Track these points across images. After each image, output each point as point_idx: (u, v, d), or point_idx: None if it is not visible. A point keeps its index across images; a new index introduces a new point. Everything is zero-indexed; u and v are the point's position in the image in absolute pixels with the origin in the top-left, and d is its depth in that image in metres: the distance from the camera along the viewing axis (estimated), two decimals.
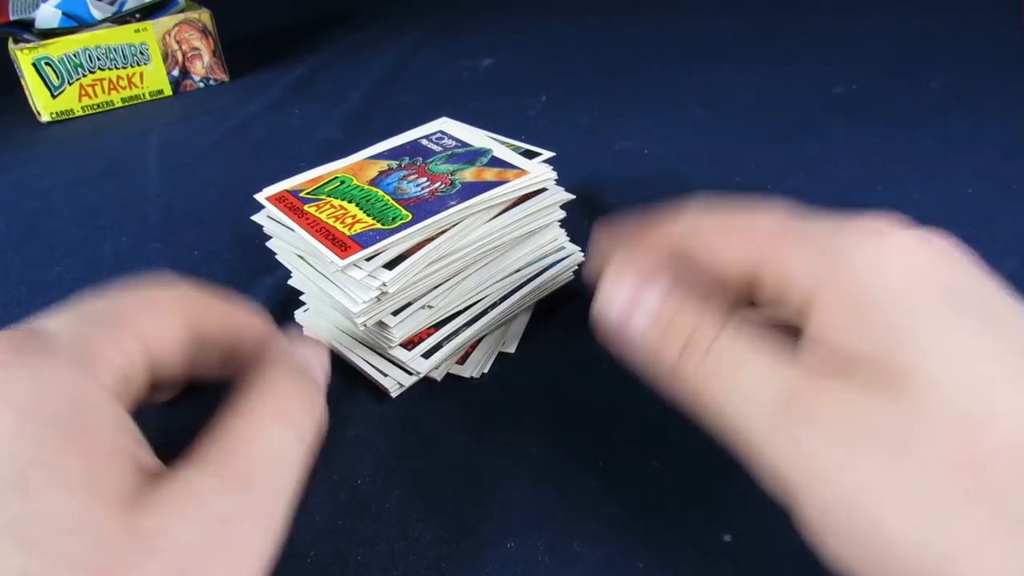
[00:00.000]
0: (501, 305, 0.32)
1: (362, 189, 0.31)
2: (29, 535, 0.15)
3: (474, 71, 0.70)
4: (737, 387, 0.19)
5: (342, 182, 0.32)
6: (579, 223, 0.41)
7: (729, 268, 0.21)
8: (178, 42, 0.67)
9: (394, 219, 0.29)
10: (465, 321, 0.31)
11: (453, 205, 0.29)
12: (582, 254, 0.36)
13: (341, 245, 0.27)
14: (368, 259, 0.27)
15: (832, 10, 0.81)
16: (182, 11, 0.67)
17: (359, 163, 0.34)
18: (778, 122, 0.54)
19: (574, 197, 0.33)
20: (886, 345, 0.17)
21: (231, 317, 0.23)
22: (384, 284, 0.27)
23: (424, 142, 0.35)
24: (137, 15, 0.66)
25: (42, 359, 0.18)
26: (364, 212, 0.29)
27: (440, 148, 0.34)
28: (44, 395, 0.17)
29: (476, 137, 0.35)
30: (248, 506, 0.18)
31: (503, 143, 0.34)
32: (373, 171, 0.33)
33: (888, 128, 0.52)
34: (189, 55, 0.68)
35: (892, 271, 0.18)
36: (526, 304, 0.34)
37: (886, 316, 0.18)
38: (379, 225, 0.28)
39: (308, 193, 0.31)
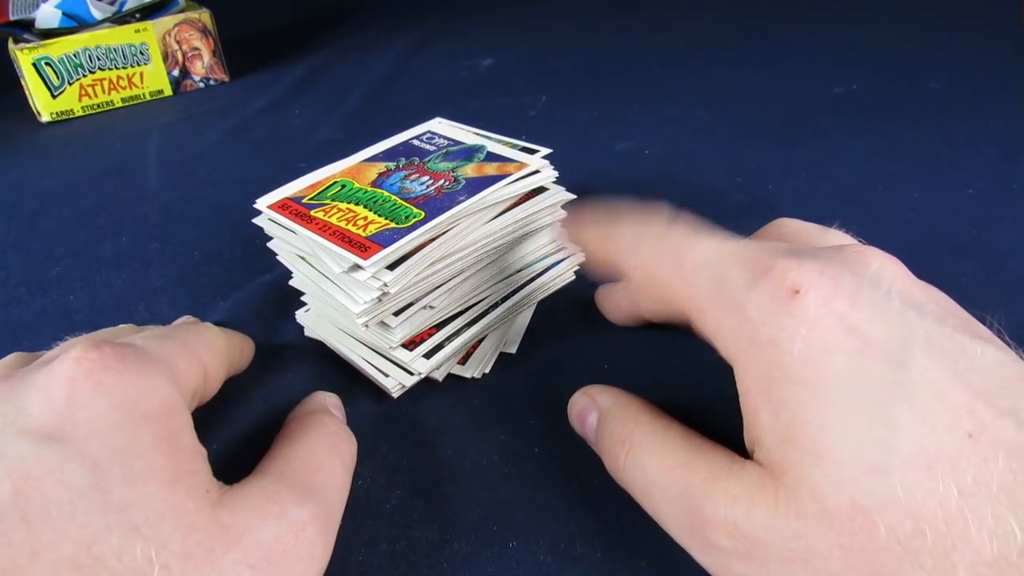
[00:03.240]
0: (502, 305, 0.32)
1: (366, 191, 0.31)
2: (130, 519, 0.17)
3: (474, 71, 0.70)
4: (649, 494, 0.21)
5: (343, 186, 0.32)
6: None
7: (666, 318, 0.24)
8: (178, 42, 0.67)
9: (407, 217, 0.28)
10: (466, 321, 0.31)
11: (463, 200, 0.29)
12: (583, 254, 0.36)
13: (360, 246, 0.27)
14: (394, 263, 0.27)
15: (832, 10, 0.81)
16: (182, 11, 0.67)
17: (356, 166, 0.33)
18: (778, 122, 0.54)
19: (575, 197, 0.34)
20: (782, 441, 0.18)
21: (246, 351, 0.30)
22: (386, 284, 0.27)
23: (415, 143, 0.35)
24: (137, 15, 0.66)
25: (141, 368, 0.20)
26: (374, 213, 0.29)
27: (433, 148, 0.34)
28: (141, 397, 0.20)
29: (466, 135, 0.35)
30: (316, 517, 0.21)
31: (495, 140, 0.34)
32: (372, 173, 0.33)
33: (888, 128, 0.52)
34: (189, 55, 0.68)
35: (800, 346, 0.18)
36: (527, 304, 0.34)
37: (789, 405, 0.18)
38: (393, 224, 0.28)
39: (311, 199, 0.31)
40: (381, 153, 0.35)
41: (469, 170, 0.32)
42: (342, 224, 0.29)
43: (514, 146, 0.33)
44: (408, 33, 0.82)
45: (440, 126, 0.37)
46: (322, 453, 0.23)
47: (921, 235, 0.39)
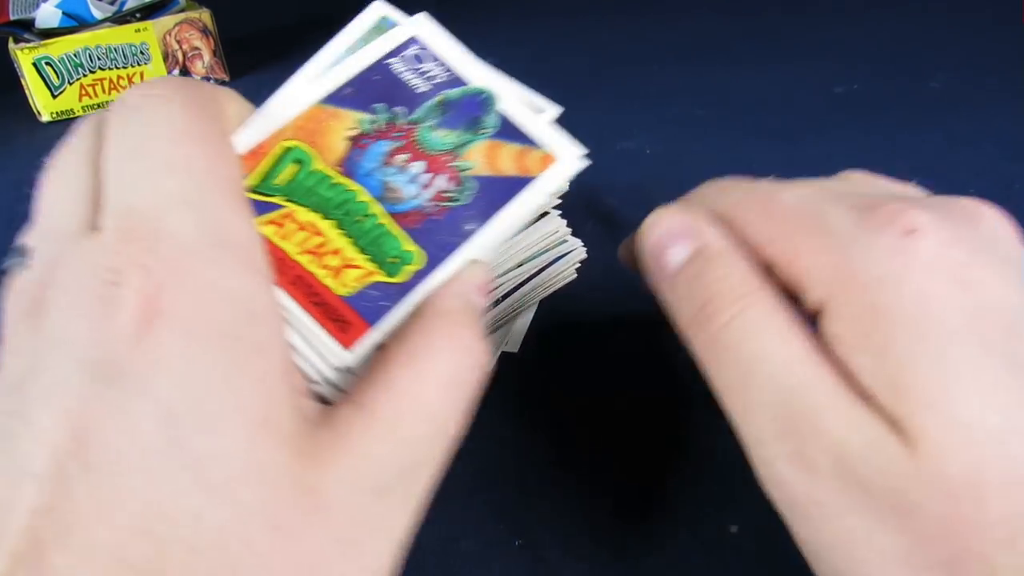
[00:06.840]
0: (503, 303, 0.32)
1: (333, 184, 0.21)
2: (208, 477, 0.14)
3: None
4: (746, 385, 0.17)
5: (298, 162, 0.21)
6: (581, 223, 0.41)
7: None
8: (178, 42, 0.67)
9: (396, 259, 0.20)
10: None
11: (472, 230, 0.20)
12: (585, 250, 0.36)
13: (337, 319, 0.19)
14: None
15: (832, 10, 0.81)
16: (182, 11, 0.67)
17: (312, 113, 0.22)
18: (778, 122, 0.55)
19: (567, 189, 0.33)
20: (892, 385, 0.16)
21: None
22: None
23: (397, 66, 0.23)
24: (137, 15, 0.66)
25: (203, 262, 0.15)
26: (349, 240, 0.20)
27: (421, 82, 0.23)
28: (212, 307, 0.15)
29: (464, 62, 0.24)
30: (405, 475, 0.17)
31: (502, 82, 0.24)
32: (339, 138, 0.21)
33: (888, 128, 0.52)
34: (189, 55, 0.68)
35: (911, 289, 0.16)
36: (529, 303, 0.34)
37: (896, 349, 0.16)
38: (380, 275, 0.19)
39: (256, 184, 0.20)
40: (348, 86, 0.23)
41: (477, 156, 0.22)
42: (304, 261, 0.19)
43: (528, 104, 0.25)
44: None
45: (426, 33, 0.24)
46: (421, 378, 0.18)
47: None
